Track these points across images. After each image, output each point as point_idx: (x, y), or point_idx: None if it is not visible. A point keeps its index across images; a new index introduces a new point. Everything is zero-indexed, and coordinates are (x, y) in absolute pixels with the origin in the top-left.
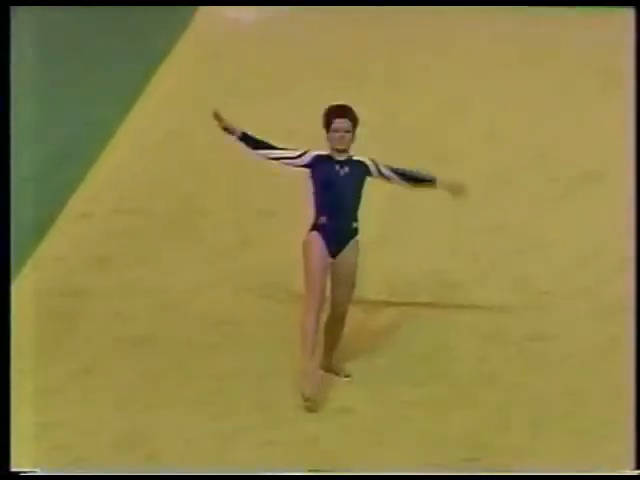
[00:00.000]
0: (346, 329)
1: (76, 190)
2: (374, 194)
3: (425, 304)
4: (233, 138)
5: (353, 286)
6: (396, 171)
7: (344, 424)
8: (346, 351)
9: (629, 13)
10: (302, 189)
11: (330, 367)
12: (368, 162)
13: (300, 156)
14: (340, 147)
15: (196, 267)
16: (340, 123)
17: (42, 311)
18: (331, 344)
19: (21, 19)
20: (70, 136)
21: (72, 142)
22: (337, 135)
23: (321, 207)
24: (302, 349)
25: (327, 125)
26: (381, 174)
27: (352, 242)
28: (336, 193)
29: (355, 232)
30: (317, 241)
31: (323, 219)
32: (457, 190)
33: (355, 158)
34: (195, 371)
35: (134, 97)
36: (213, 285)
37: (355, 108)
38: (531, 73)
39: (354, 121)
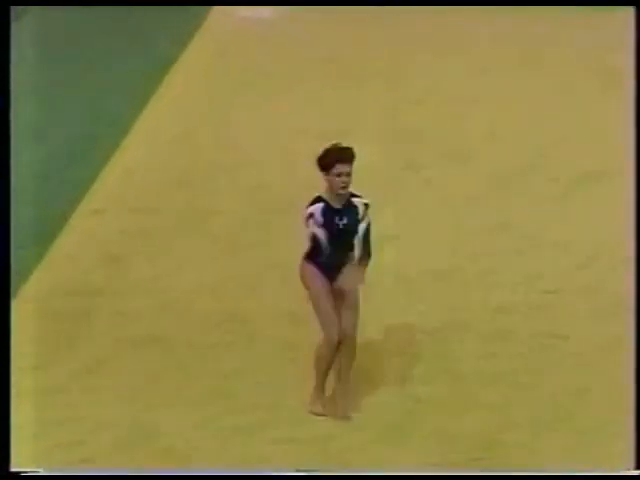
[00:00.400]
0: None
1: (89, 188)
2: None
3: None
4: None
5: (357, 306)
6: (364, 241)
7: (354, 422)
8: None
9: (629, 13)
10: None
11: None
12: (361, 209)
13: (315, 221)
14: (343, 192)
15: (207, 265)
16: (343, 168)
17: (53, 309)
18: (340, 374)
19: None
20: (82, 134)
21: (84, 140)
22: (340, 181)
23: (318, 248)
24: (317, 377)
25: (327, 168)
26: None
27: (349, 266)
28: (335, 242)
29: (352, 258)
30: (316, 272)
31: (321, 259)
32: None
33: (353, 202)
34: (205, 369)
35: (145, 96)
36: (224, 284)
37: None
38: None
39: (353, 159)
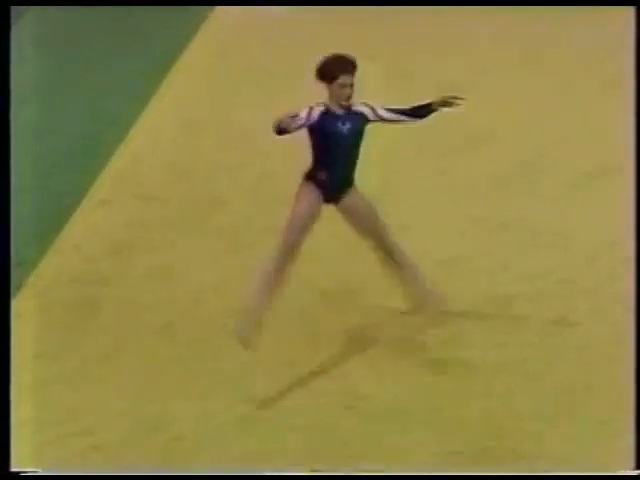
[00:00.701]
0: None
1: (96, 178)
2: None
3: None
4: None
5: (377, 217)
6: (394, 110)
7: (365, 410)
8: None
9: (629, 13)
10: None
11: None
12: (366, 110)
13: (308, 116)
14: (346, 103)
15: (214, 255)
16: (347, 79)
17: (59, 299)
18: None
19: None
20: (88, 128)
21: (89, 133)
22: (344, 91)
23: (321, 162)
24: (255, 289)
25: (330, 78)
26: (380, 117)
27: (352, 190)
28: (339, 151)
29: (352, 182)
30: (312, 191)
31: (322, 174)
32: (451, 102)
33: (354, 109)
34: (213, 359)
35: (149, 91)
36: (231, 273)
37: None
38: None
39: (355, 69)
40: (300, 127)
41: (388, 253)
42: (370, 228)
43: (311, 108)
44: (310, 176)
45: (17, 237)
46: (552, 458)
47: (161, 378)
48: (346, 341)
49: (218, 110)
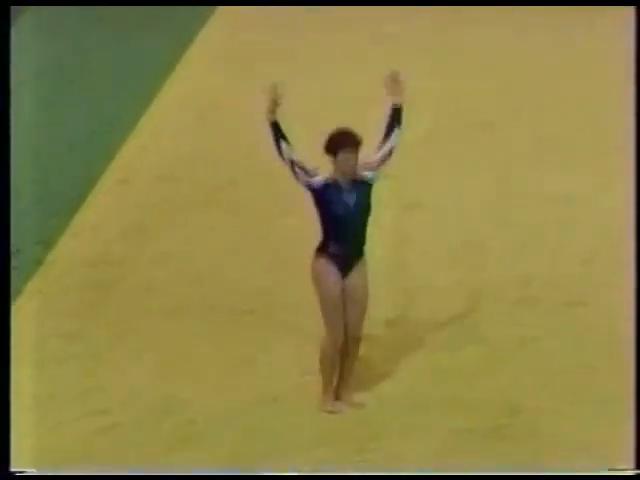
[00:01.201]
0: None
1: (113, 158)
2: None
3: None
4: (268, 117)
5: (365, 307)
6: (383, 141)
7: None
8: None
9: (629, 13)
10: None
11: (339, 396)
12: (369, 175)
13: (313, 174)
14: (349, 175)
15: (231, 236)
16: (348, 153)
17: (77, 279)
18: (342, 372)
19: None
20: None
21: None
22: (346, 166)
23: (330, 234)
24: (323, 378)
25: (333, 153)
26: (381, 162)
27: (360, 263)
28: (346, 224)
29: (363, 253)
30: (329, 269)
31: (333, 248)
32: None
33: (359, 178)
34: (230, 339)
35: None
36: (248, 253)
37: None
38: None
39: (359, 144)
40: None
41: (352, 342)
42: (356, 313)
43: (316, 172)
44: (323, 250)
45: (38, 217)
46: (564, 436)
47: (178, 357)
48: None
49: (233, 94)
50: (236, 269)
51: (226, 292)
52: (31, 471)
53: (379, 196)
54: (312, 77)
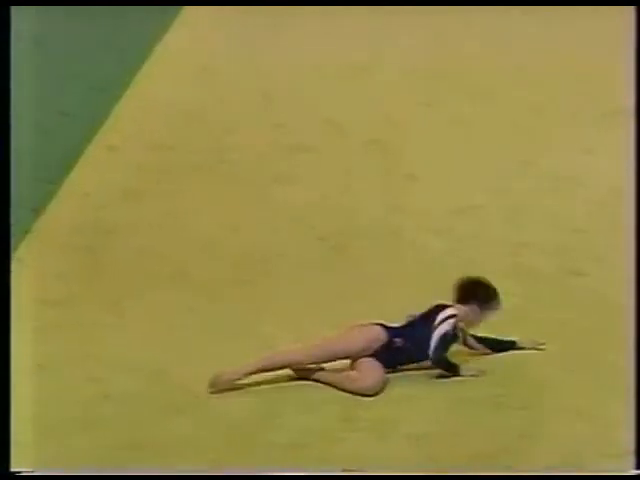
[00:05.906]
0: None
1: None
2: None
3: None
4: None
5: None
6: (480, 340)
7: None
8: None
9: (629, 13)
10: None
11: None
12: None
13: None
14: None
15: (226, 203)
16: None
17: (68, 245)
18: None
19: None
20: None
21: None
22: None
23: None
24: None
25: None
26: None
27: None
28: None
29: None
30: (380, 334)
31: (398, 341)
32: (535, 346)
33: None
34: (226, 307)
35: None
36: (243, 221)
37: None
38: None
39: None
40: None
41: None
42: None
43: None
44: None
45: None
46: (560, 408)
47: (172, 325)
48: None
49: (233, 56)
50: (231, 236)
51: (220, 260)
52: (31, 471)
53: (372, 165)
54: None
